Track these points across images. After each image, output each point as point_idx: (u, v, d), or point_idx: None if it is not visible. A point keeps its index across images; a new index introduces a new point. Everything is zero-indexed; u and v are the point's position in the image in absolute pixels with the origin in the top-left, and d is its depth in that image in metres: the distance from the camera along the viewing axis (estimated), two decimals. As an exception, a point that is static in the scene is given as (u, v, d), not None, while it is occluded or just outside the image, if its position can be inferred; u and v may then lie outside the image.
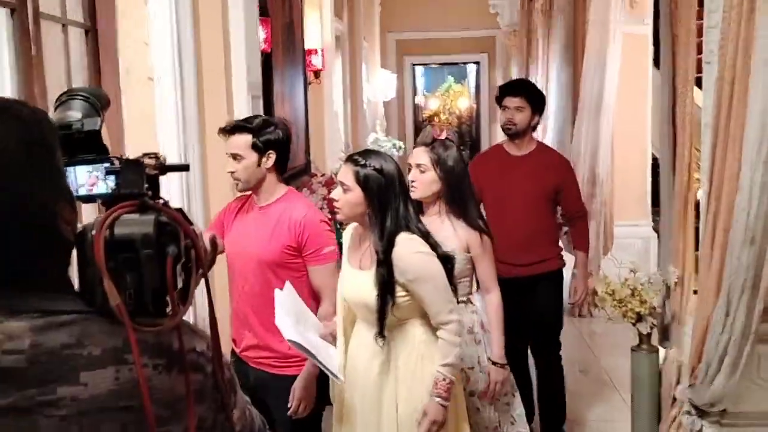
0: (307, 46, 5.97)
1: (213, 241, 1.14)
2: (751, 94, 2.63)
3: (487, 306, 2.90)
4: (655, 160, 6.10)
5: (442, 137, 2.95)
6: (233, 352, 2.86)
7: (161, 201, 1.06)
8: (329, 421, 2.76)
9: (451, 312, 2.47)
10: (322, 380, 2.69)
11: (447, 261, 2.52)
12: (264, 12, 4.29)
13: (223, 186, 3.21)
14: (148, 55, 2.89)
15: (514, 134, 3.87)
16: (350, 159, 2.52)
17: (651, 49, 6.19)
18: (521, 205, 3.79)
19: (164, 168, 1.14)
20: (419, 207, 2.94)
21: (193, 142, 3.00)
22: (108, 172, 1.09)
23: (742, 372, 2.89)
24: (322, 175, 5.45)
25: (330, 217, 3.21)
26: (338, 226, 3.42)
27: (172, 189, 2.92)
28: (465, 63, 14.30)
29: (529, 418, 3.41)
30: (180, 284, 1.00)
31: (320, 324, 2.65)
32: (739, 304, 2.77)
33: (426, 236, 2.49)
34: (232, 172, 2.67)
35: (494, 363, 2.87)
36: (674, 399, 3.46)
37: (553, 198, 3.90)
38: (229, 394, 1.10)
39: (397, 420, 2.47)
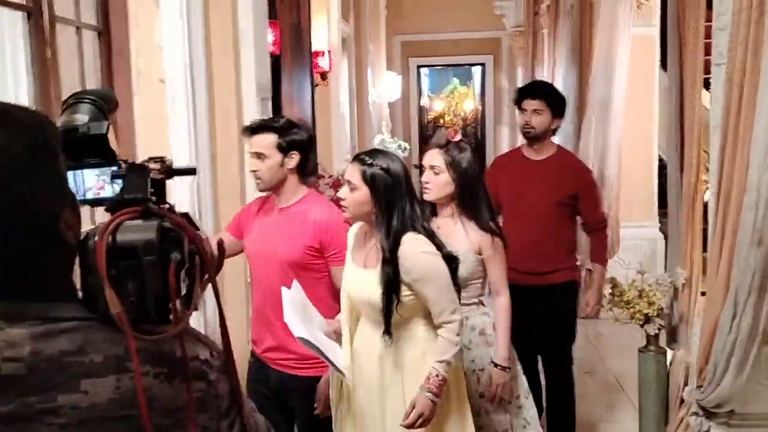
0: (314, 48, 5.99)
1: (220, 246, 1.11)
2: (760, 96, 2.64)
3: (496, 309, 2.91)
4: (661, 161, 6.11)
5: (456, 139, 2.94)
6: (253, 353, 2.88)
7: (167, 206, 1.04)
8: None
9: (453, 312, 2.48)
10: None
11: (451, 261, 2.54)
12: (272, 14, 4.31)
13: (232, 187, 3.24)
14: (160, 58, 2.91)
15: (532, 138, 3.73)
16: (357, 158, 2.54)
17: (658, 50, 6.20)
18: (535, 212, 3.67)
19: (170, 172, 1.13)
20: (432, 209, 2.96)
21: (203, 143, 3.02)
22: (114, 176, 1.08)
23: (749, 373, 2.90)
24: (330, 176, 5.47)
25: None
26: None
27: (182, 190, 2.93)
28: (470, 65, 14.31)
29: None
30: (184, 291, 0.98)
31: (325, 322, 2.67)
32: (746, 305, 2.77)
33: (431, 236, 2.51)
34: (255, 171, 2.68)
35: (496, 365, 2.88)
36: (682, 400, 3.47)
37: (570, 205, 3.72)
38: (238, 402, 1.09)
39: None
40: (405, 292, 2.45)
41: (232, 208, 3.03)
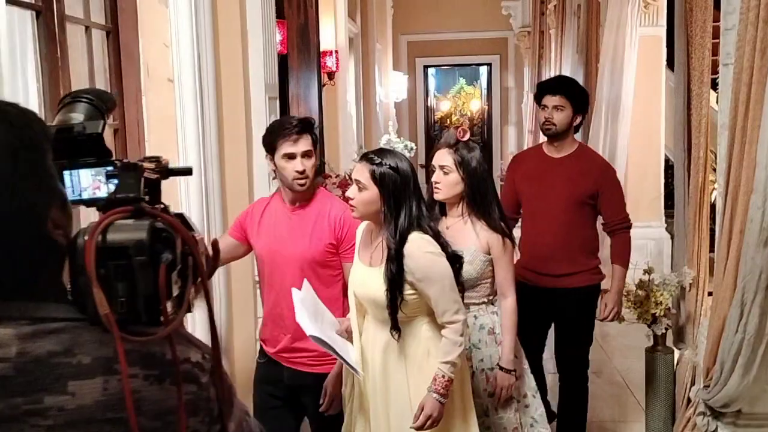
0: (321, 48, 6.01)
1: (215, 247, 1.09)
2: (767, 95, 2.64)
3: (502, 311, 2.91)
4: (668, 161, 6.11)
5: (465, 138, 2.94)
6: (263, 353, 2.89)
7: (161, 206, 1.02)
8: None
9: (456, 312, 2.49)
10: None
11: (455, 260, 2.55)
12: (279, 14, 4.32)
13: (241, 186, 3.25)
14: (169, 57, 2.92)
15: (553, 135, 3.59)
16: (365, 158, 2.55)
17: (665, 50, 6.20)
18: (554, 212, 3.53)
19: (165, 172, 1.11)
20: (441, 208, 2.96)
21: (211, 142, 3.03)
22: (110, 176, 1.07)
23: (756, 373, 2.90)
24: (337, 176, 5.48)
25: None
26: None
27: (190, 189, 2.94)
28: (476, 65, 14.30)
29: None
30: (176, 292, 0.97)
31: (336, 321, 2.69)
32: (753, 305, 2.77)
33: (437, 236, 2.52)
34: (302, 171, 2.69)
35: (501, 368, 2.88)
36: (689, 400, 3.47)
37: (592, 205, 3.57)
38: (226, 405, 1.06)
39: (410, 413, 2.50)
40: (408, 290, 2.46)
41: (240, 207, 3.03)
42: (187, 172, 1.23)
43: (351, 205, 2.54)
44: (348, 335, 2.66)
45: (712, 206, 3.45)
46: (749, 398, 3.04)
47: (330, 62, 6.50)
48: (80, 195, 1.07)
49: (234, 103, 3.24)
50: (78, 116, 1.11)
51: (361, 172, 2.49)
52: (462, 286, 2.61)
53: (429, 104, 14.55)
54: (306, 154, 2.69)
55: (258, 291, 3.18)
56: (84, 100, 1.14)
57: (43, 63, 2.29)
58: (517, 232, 3.73)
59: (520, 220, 3.76)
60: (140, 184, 1.02)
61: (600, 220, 3.68)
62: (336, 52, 6.61)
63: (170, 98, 2.92)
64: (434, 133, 14.08)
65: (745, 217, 2.77)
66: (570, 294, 3.54)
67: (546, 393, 3.82)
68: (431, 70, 14.48)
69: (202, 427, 1.01)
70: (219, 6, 3.12)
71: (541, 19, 9.75)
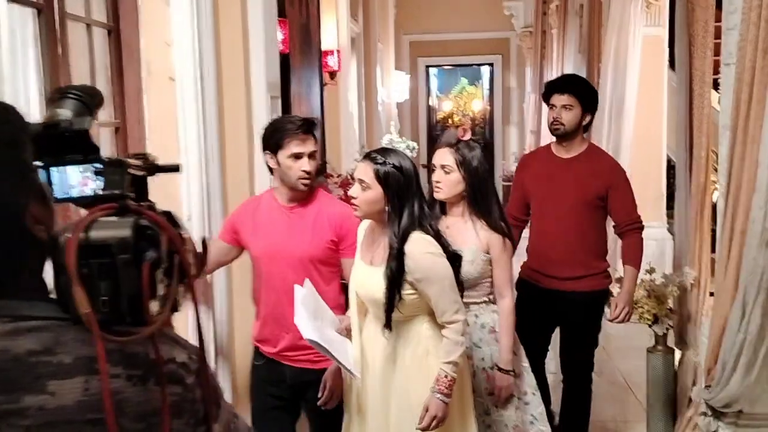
0: (323, 48, 6.01)
1: (204, 245, 1.08)
2: (769, 95, 2.64)
3: (499, 311, 2.91)
4: (670, 161, 6.10)
5: (466, 138, 2.94)
6: (260, 354, 2.88)
7: (147, 204, 1.01)
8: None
9: (456, 312, 2.50)
10: None
11: (455, 260, 2.56)
12: (281, 13, 4.32)
13: (242, 185, 3.24)
14: (170, 55, 2.92)
15: (561, 135, 3.50)
16: (369, 157, 2.54)
17: (666, 50, 6.19)
18: (563, 213, 3.46)
19: (152, 169, 1.09)
20: (442, 207, 2.96)
21: (213, 141, 3.03)
22: (96, 173, 1.05)
23: (758, 373, 2.89)
24: (338, 176, 5.47)
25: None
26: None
27: (191, 189, 2.94)
28: (479, 65, 14.31)
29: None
30: (162, 291, 0.94)
31: (337, 319, 2.69)
32: (755, 305, 2.77)
33: (438, 236, 2.52)
34: (309, 172, 2.69)
35: (500, 369, 2.88)
36: (690, 400, 3.47)
37: (601, 207, 3.48)
38: (212, 407, 1.03)
39: (409, 412, 2.50)
40: (408, 290, 2.46)
41: (240, 204, 3.03)
42: (174, 169, 1.20)
43: (354, 205, 2.53)
44: (348, 333, 2.66)
45: (714, 206, 3.44)
46: (750, 398, 3.03)
47: (332, 62, 6.51)
48: (68, 193, 1.05)
49: (235, 102, 3.23)
50: (65, 112, 1.09)
51: (365, 172, 2.48)
52: (461, 285, 2.61)
53: (431, 104, 14.57)
54: (312, 155, 2.70)
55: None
56: (72, 96, 1.12)
57: (44, 61, 2.28)
58: (525, 234, 3.73)
59: (528, 221, 3.71)
60: (125, 180, 1.01)
61: (610, 222, 3.61)
62: (338, 51, 6.62)
63: (171, 97, 2.92)
64: (436, 133, 14.09)
65: (746, 217, 2.76)
66: (577, 298, 3.48)
67: (547, 393, 3.81)
68: (433, 70, 14.50)
69: (187, 429, 0.99)
70: (220, 4, 3.11)
71: (543, 19, 9.75)
